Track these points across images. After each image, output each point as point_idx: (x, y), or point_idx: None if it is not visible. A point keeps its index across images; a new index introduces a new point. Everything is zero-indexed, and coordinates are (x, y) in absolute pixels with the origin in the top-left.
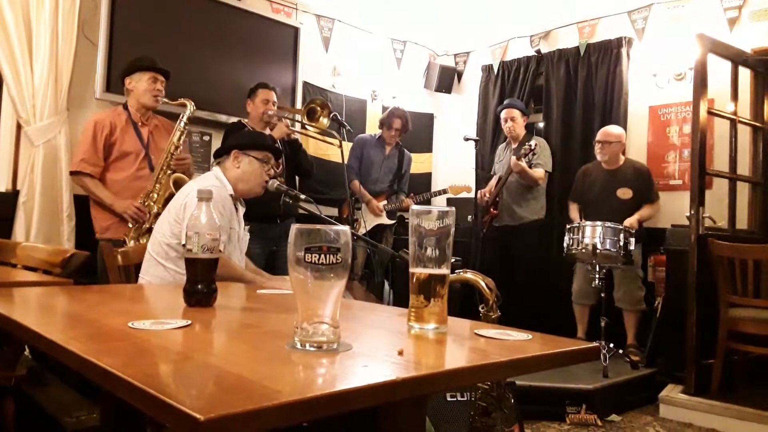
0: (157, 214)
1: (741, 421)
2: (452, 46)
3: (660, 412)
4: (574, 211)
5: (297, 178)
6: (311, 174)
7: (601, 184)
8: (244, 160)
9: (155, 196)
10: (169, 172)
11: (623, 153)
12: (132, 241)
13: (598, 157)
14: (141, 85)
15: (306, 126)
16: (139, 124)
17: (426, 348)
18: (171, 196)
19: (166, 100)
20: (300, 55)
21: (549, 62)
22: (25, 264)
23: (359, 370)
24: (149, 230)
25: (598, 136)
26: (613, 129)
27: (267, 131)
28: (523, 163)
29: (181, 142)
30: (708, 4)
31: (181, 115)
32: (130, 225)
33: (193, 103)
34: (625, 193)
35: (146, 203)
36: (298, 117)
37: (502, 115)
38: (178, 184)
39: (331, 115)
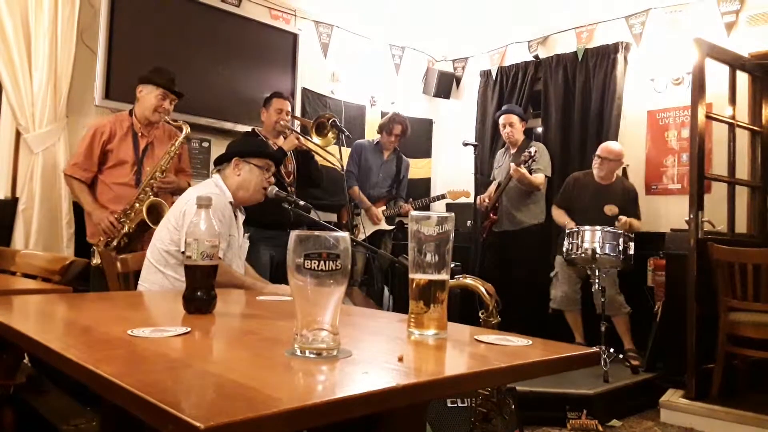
0: (127, 234)
1: (742, 426)
2: (451, 52)
3: (661, 417)
4: (561, 215)
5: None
6: (320, 184)
7: (590, 196)
8: (244, 168)
9: (132, 214)
10: (150, 193)
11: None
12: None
13: (594, 171)
14: (149, 98)
15: (312, 139)
16: (140, 134)
17: (426, 354)
18: (142, 221)
19: (166, 118)
20: (299, 61)
21: (547, 67)
22: (24, 271)
23: (359, 377)
24: (116, 248)
25: (599, 151)
26: (615, 146)
27: (281, 140)
28: (523, 170)
29: (168, 165)
30: (705, 8)
31: (174, 140)
32: (101, 238)
33: (188, 127)
34: (611, 209)
35: (121, 219)
36: (297, 124)
37: (501, 120)
38: (155, 209)
39: (330, 121)
